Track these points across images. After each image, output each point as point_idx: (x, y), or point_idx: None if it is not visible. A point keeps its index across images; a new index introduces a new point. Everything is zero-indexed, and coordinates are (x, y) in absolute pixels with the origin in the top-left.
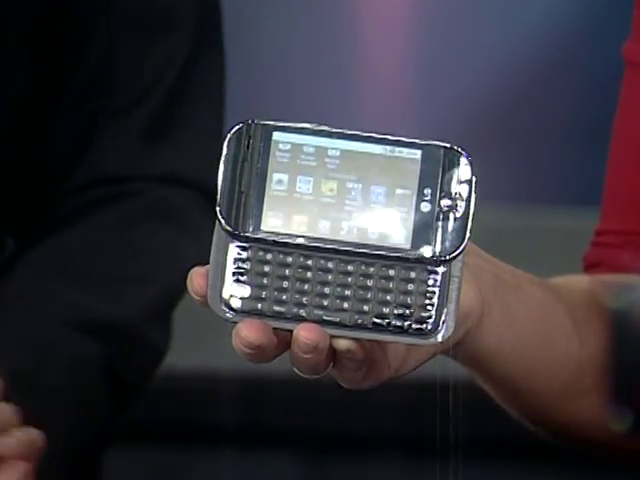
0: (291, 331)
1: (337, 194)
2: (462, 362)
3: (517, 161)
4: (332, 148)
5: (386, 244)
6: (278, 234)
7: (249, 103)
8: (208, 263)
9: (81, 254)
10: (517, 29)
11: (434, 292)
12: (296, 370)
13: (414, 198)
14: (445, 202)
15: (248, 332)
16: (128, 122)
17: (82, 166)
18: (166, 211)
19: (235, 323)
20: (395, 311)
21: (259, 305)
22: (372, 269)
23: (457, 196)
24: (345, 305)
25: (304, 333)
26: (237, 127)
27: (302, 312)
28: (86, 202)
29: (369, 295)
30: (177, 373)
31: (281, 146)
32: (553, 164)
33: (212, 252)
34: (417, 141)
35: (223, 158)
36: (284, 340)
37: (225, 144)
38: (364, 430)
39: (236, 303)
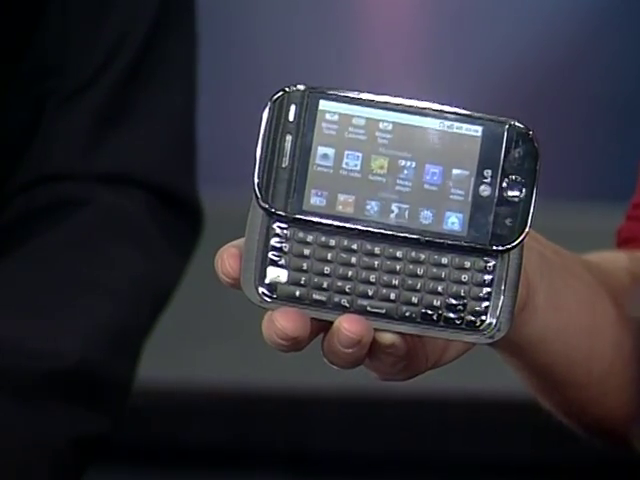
0: (331, 322)
1: (388, 172)
2: (500, 349)
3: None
4: (384, 121)
5: (440, 230)
6: (321, 214)
7: (247, 92)
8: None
9: (23, 286)
10: (543, 9)
11: (490, 283)
12: (327, 361)
13: (472, 180)
14: (506, 185)
15: (285, 323)
16: (79, 107)
17: (30, 157)
18: (115, 226)
19: (269, 310)
20: (447, 302)
21: (297, 291)
22: (423, 256)
23: (520, 179)
24: (392, 295)
25: (347, 326)
26: (279, 93)
27: (344, 301)
28: (31, 209)
29: (419, 284)
30: (159, 390)
31: (328, 116)
32: (581, 158)
33: (247, 231)
34: (478, 115)
35: (262, 128)
36: (317, 327)
37: (265, 112)
38: (354, 449)
39: (272, 288)
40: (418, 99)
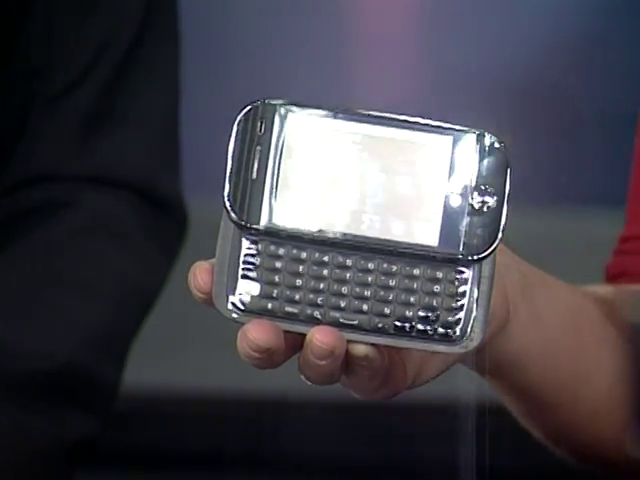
0: (304, 334)
1: (358, 184)
2: (482, 371)
3: (536, 159)
4: (354, 132)
5: (411, 241)
6: (292, 227)
7: (241, 92)
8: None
9: (9, 287)
10: (537, 16)
11: (463, 294)
12: (304, 378)
13: (443, 190)
14: (477, 195)
15: (257, 334)
16: (66, 108)
17: (16, 158)
18: (101, 227)
19: (242, 324)
20: (419, 314)
21: (269, 304)
22: (395, 267)
23: (490, 189)
24: (364, 307)
25: (319, 337)
26: (248, 107)
27: (316, 313)
28: (17, 210)
29: (391, 296)
30: (145, 396)
31: (297, 129)
32: (575, 162)
33: (218, 245)
34: (448, 126)
35: (232, 142)
36: (293, 343)
37: (235, 126)
38: (341, 454)
39: (244, 302)
40: (391, 110)
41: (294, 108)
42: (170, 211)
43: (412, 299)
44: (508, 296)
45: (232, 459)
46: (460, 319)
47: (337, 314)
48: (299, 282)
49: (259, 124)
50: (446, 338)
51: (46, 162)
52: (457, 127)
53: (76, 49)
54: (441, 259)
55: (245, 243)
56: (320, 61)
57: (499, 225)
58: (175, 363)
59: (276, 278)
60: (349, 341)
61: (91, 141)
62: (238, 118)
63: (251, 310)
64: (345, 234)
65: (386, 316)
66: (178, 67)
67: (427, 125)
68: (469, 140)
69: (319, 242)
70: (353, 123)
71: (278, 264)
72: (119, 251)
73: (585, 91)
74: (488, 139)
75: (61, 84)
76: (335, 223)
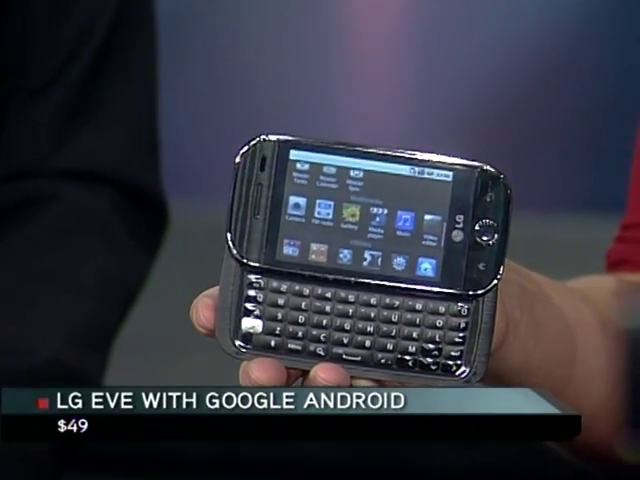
0: (307, 370)
1: (360, 220)
2: (485, 382)
3: (515, 165)
4: (355, 168)
5: (413, 276)
6: (294, 264)
7: (238, 108)
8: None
9: None
10: (516, 27)
11: (465, 328)
12: None
13: (445, 225)
14: (479, 230)
15: (259, 373)
16: (44, 104)
17: None
18: (82, 222)
19: (244, 360)
20: (422, 347)
21: (273, 341)
22: (397, 302)
23: (492, 223)
24: (367, 342)
25: (323, 375)
26: (250, 143)
27: (320, 350)
28: None
29: (393, 331)
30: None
31: (299, 166)
32: (555, 168)
33: (221, 282)
34: (449, 161)
35: (234, 179)
36: (293, 374)
37: (236, 162)
38: (337, 458)
39: (247, 339)
40: (391, 141)
41: (294, 144)
42: (151, 206)
43: (415, 333)
44: (507, 311)
45: (231, 462)
46: (462, 352)
47: (340, 350)
48: (302, 318)
49: (260, 161)
50: (449, 372)
51: (26, 158)
52: (457, 161)
53: (52, 47)
54: (443, 294)
55: (247, 280)
56: (304, 68)
57: (501, 259)
58: (174, 366)
59: (279, 314)
60: (352, 376)
61: (71, 137)
62: (240, 154)
63: (255, 347)
64: (347, 270)
65: (389, 351)
66: (155, 63)
67: (428, 160)
68: (470, 174)
69: (321, 278)
70: (354, 158)
71: (280, 300)
72: (100, 246)
73: (575, 97)
74: (489, 173)
75: (39, 80)
76: (337, 259)
